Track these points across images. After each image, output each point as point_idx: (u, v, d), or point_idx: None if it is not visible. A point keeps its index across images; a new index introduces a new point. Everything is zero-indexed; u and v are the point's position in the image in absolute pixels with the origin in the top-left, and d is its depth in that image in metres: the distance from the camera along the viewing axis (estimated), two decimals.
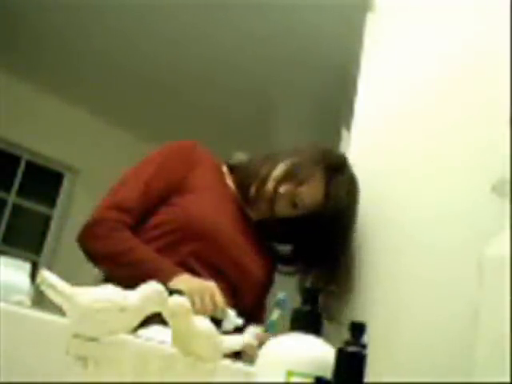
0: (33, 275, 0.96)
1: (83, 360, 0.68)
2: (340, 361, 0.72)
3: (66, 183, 2.71)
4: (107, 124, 2.63)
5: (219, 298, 1.20)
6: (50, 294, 0.69)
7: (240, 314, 1.21)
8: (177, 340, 0.76)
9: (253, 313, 1.30)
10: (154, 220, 1.33)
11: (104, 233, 1.30)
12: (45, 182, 2.75)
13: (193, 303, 1.12)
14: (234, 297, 1.26)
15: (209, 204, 1.37)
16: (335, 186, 1.36)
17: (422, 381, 0.98)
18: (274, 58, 2.38)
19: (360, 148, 1.42)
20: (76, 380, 0.68)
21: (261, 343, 1.10)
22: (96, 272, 1.34)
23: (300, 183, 1.36)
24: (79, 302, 0.67)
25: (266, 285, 1.42)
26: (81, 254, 1.31)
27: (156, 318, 0.76)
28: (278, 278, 1.46)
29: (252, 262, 1.38)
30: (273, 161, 1.41)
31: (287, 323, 0.79)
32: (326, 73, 2.17)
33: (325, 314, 0.80)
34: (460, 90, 1.20)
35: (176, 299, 0.74)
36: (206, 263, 1.31)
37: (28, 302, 0.96)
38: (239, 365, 0.99)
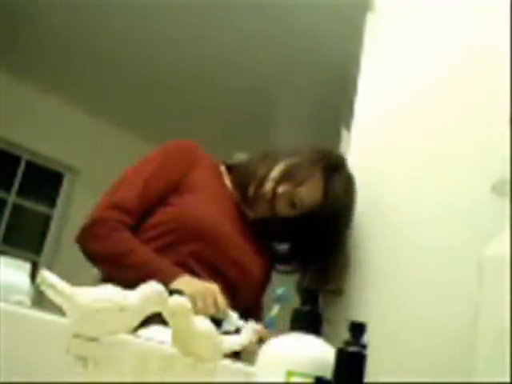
0: (33, 275, 0.96)
1: (83, 360, 0.68)
2: (340, 361, 0.72)
3: (65, 183, 2.71)
4: (107, 124, 2.63)
5: (221, 299, 1.20)
6: (50, 294, 0.69)
7: (238, 312, 1.21)
8: (177, 340, 0.76)
9: (251, 311, 1.30)
10: (152, 220, 1.33)
11: (104, 233, 1.29)
12: (45, 182, 2.75)
13: (195, 305, 1.13)
14: (233, 296, 1.26)
15: (207, 204, 1.37)
16: (333, 185, 1.36)
17: (422, 381, 0.98)
18: (274, 58, 2.38)
19: (360, 148, 1.42)
20: (76, 380, 0.68)
21: (260, 339, 1.10)
22: (96, 272, 1.34)
23: (299, 183, 1.37)
24: (79, 302, 0.67)
25: (264, 284, 1.43)
26: (81, 254, 1.31)
27: (156, 318, 0.76)
28: (276, 276, 1.46)
29: (251, 262, 1.38)
30: (271, 161, 1.42)
31: (288, 316, 0.79)
32: (326, 73, 2.17)
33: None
34: (460, 90, 1.20)
35: (176, 299, 0.74)
36: (205, 263, 1.31)
37: (28, 302, 0.96)
38: (239, 365, 0.99)
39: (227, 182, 1.46)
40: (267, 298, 1.44)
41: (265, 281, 1.43)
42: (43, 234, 2.56)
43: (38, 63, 2.46)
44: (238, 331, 1.16)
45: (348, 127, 1.46)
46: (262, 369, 0.77)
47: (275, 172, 1.39)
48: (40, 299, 0.79)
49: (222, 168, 1.47)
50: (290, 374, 0.73)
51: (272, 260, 1.44)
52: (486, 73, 1.15)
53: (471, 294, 0.79)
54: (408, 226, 1.22)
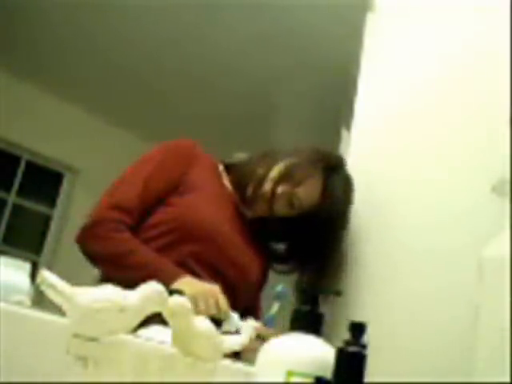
0: (33, 275, 0.96)
1: (83, 360, 0.68)
2: (340, 361, 0.72)
3: (65, 183, 2.71)
4: (107, 124, 2.63)
5: (223, 301, 1.21)
6: (50, 294, 0.69)
7: (237, 311, 1.21)
8: (177, 340, 0.76)
9: (249, 311, 1.31)
10: (152, 220, 1.33)
11: (104, 234, 1.29)
12: (45, 182, 2.75)
13: (197, 306, 1.13)
14: (232, 296, 1.26)
15: (207, 204, 1.37)
16: (332, 186, 1.37)
17: (422, 381, 0.98)
18: (274, 59, 2.38)
19: (360, 148, 1.42)
20: (76, 380, 0.68)
21: (258, 336, 1.10)
22: (96, 272, 1.34)
23: (297, 184, 1.37)
24: (79, 302, 0.67)
25: (263, 284, 1.43)
26: (81, 254, 1.31)
27: (156, 318, 0.76)
28: (272, 274, 1.47)
29: (250, 262, 1.38)
30: (270, 161, 1.42)
31: (288, 313, 0.79)
32: (326, 73, 2.17)
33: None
34: (460, 89, 1.20)
35: (176, 299, 0.74)
36: (204, 263, 1.31)
37: (28, 302, 0.96)
38: (239, 365, 0.99)
39: (226, 181, 1.46)
40: (263, 296, 1.44)
41: (263, 281, 1.43)
42: (43, 234, 2.56)
43: (38, 63, 2.45)
44: (237, 332, 1.16)
45: (348, 127, 1.46)
46: (262, 369, 0.77)
47: (274, 172, 1.39)
48: (40, 299, 0.79)
49: (221, 167, 1.48)
50: (290, 373, 0.73)
51: (270, 260, 1.44)
52: (486, 73, 1.15)
53: (471, 294, 0.79)
54: (408, 226, 1.22)
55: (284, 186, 1.37)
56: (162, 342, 0.85)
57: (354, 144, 1.44)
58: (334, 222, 1.35)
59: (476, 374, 0.74)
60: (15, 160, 2.61)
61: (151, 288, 0.71)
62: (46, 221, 2.63)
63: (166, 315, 0.74)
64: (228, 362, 0.92)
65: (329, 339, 0.78)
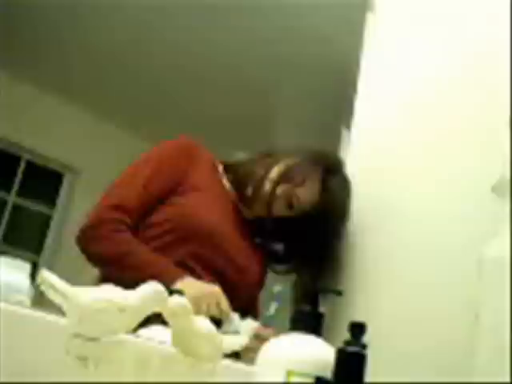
0: (33, 275, 0.96)
1: (83, 360, 0.68)
2: (340, 361, 0.72)
3: (65, 183, 2.71)
4: (107, 124, 2.62)
5: (224, 301, 1.21)
6: (50, 294, 0.69)
7: (236, 311, 1.22)
8: (177, 340, 0.76)
9: (248, 311, 1.31)
10: (152, 219, 1.33)
11: (105, 234, 1.29)
12: (45, 182, 2.75)
13: (198, 307, 1.13)
14: (232, 296, 1.26)
15: (207, 204, 1.37)
16: (332, 187, 1.37)
17: (422, 381, 0.98)
18: (274, 59, 2.38)
19: (360, 148, 1.42)
20: (76, 380, 0.68)
21: (257, 336, 1.10)
22: (96, 272, 1.34)
23: (297, 184, 1.37)
24: (79, 302, 0.67)
25: (261, 282, 1.43)
26: (81, 254, 1.31)
27: (156, 318, 0.76)
28: (270, 274, 1.46)
29: (249, 262, 1.38)
30: (270, 161, 1.42)
31: (285, 313, 0.79)
32: (326, 73, 2.17)
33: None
34: (460, 89, 1.20)
35: (176, 299, 0.74)
36: (203, 263, 1.31)
37: (28, 302, 0.96)
38: (239, 365, 0.99)
39: (225, 181, 1.46)
40: (260, 296, 1.44)
41: (262, 281, 1.43)
42: (43, 234, 2.56)
43: (37, 63, 2.45)
44: (237, 333, 1.16)
45: (348, 127, 1.46)
46: (262, 369, 0.77)
47: (274, 172, 1.39)
48: (40, 299, 0.79)
49: (220, 167, 1.48)
50: (290, 373, 0.73)
51: (268, 260, 1.44)
52: (486, 73, 1.15)
53: (471, 294, 0.79)
54: (408, 226, 1.22)
55: (283, 187, 1.38)
56: (162, 342, 0.85)
57: (353, 144, 1.44)
58: (332, 222, 1.35)
59: (476, 373, 0.74)
60: (15, 160, 2.61)
61: (151, 288, 0.71)
62: (46, 221, 2.62)
63: (166, 315, 0.74)
64: (228, 361, 0.92)
65: (329, 339, 0.78)
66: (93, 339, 0.69)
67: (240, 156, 1.50)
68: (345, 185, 1.38)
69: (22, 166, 2.65)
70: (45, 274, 0.69)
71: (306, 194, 1.37)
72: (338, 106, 1.61)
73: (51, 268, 0.72)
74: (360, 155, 1.42)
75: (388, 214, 1.27)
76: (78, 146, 2.64)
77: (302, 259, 1.41)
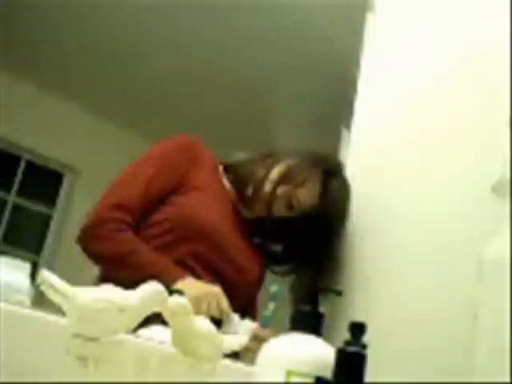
0: (33, 275, 0.96)
1: (83, 360, 0.68)
2: (340, 361, 0.72)
3: (65, 183, 2.71)
4: (107, 124, 2.62)
5: (224, 303, 1.21)
6: (50, 294, 0.69)
7: (235, 311, 1.22)
8: (177, 340, 0.76)
9: (247, 311, 1.31)
10: (152, 218, 1.33)
11: (106, 233, 1.29)
12: (45, 182, 2.75)
13: (199, 308, 1.13)
14: (231, 296, 1.27)
15: (207, 204, 1.37)
16: (331, 189, 1.38)
17: (422, 381, 0.98)
18: (274, 59, 2.38)
19: (360, 148, 1.42)
20: (76, 380, 0.68)
21: (255, 336, 1.10)
22: (95, 272, 1.34)
23: (297, 185, 1.37)
24: (79, 302, 0.67)
25: (260, 282, 1.43)
26: (81, 254, 1.31)
27: (156, 318, 0.76)
28: (267, 274, 1.47)
29: (248, 262, 1.39)
30: (270, 162, 1.42)
31: (283, 313, 0.79)
32: (326, 73, 2.17)
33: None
34: (460, 89, 1.20)
35: (176, 299, 0.74)
36: (203, 263, 1.31)
37: (28, 302, 0.96)
38: (239, 365, 0.99)
39: (225, 181, 1.46)
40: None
41: (261, 280, 1.43)
42: (43, 234, 2.56)
43: (37, 62, 2.45)
44: (237, 333, 1.16)
45: (348, 127, 1.47)
46: (262, 369, 0.77)
47: (275, 173, 1.39)
48: (40, 299, 0.79)
49: (220, 167, 1.48)
50: (290, 373, 0.73)
51: (267, 261, 1.44)
52: (485, 73, 1.15)
53: (471, 294, 0.79)
54: (407, 226, 1.22)
55: (284, 187, 1.38)
56: (162, 342, 0.85)
57: (353, 144, 1.44)
58: (332, 224, 1.36)
59: (476, 373, 0.74)
60: (15, 160, 2.61)
61: (151, 288, 0.72)
62: (46, 221, 2.62)
63: (166, 315, 0.74)
64: (228, 361, 0.92)
65: (329, 339, 0.78)
66: (93, 339, 0.69)
67: (240, 156, 1.50)
68: (344, 187, 1.39)
69: (22, 166, 2.65)
70: (45, 274, 0.69)
71: (306, 195, 1.38)
72: (338, 106, 1.61)
73: (51, 268, 0.72)
74: (360, 155, 1.42)
75: (388, 214, 1.27)
76: (77, 146, 2.64)
77: (301, 260, 1.41)
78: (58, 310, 0.72)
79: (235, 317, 1.22)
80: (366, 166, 1.39)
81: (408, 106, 1.32)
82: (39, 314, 0.84)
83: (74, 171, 2.71)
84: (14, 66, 2.35)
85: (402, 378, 1.00)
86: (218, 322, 1.05)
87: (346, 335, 0.73)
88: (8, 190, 2.59)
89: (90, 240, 1.30)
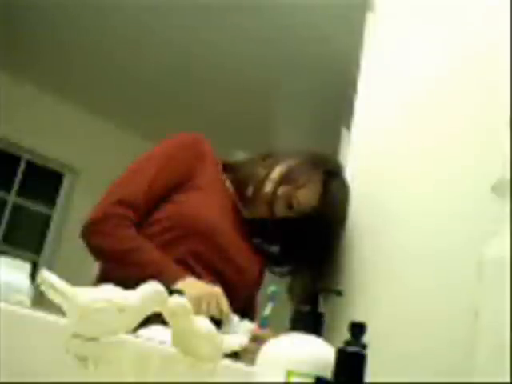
0: (33, 275, 0.96)
1: (83, 360, 0.68)
2: (340, 361, 0.72)
3: (65, 183, 2.71)
4: (107, 124, 2.62)
5: (224, 303, 1.21)
6: (50, 294, 0.69)
7: (234, 311, 1.22)
8: (177, 340, 0.76)
9: (246, 310, 1.31)
10: (154, 217, 1.33)
11: (109, 230, 1.29)
12: (45, 182, 2.75)
13: (199, 308, 1.13)
14: (230, 296, 1.27)
15: (208, 203, 1.37)
16: (332, 190, 1.37)
17: (422, 381, 0.98)
18: (274, 58, 2.38)
19: (360, 148, 1.42)
20: (76, 380, 0.68)
21: (254, 338, 1.10)
22: (96, 272, 1.34)
23: (298, 186, 1.37)
24: (79, 302, 0.67)
25: (259, 283, 1.43)
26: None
27: (156, 318, 0.76)
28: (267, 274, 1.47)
29: (248, 262, 1.39)
30: (271, 162, 1.42)
31: (280, 313, 0.79)
32: (326, 73, 2.17)
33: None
34: (460, 89, 1.20)
35: (176, 299, 0.74)
36: (203, 262, 1.31)
37: (28, 302, 0.96)
38: (239, 365, 0.99)
39: (226, 180, 1.46)
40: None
41: (260, 279, 1.43)
42: (43, 234, 2.55)
43: (37, 63, 2.45)
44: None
45: (348, 127, 1.46)
46: (262, 369, 0.77)
47: (276, 173, 1.39)
48: (40, 299, 0.79)
49: (220, 166, 1.47)
50: (290, 373, 0.73)
51: (267, 261, 1.44)
52: (485, 73, 1.15)
53: (471, 294, 0.79)
54: (407, 226, 1.22)
55: (285, 188, 1.38)
56: (162, 342, 0.85)
57: (354, 144, 1.44)
58: (331, 225, 1.36)
59: (476, 373, 0.73)
60: (15, 160, 2.60)
61: (151, 288, 0.71)
62: (46, 221, 2.62)
63: (166, 315, 0.74)
64: (228, 361, 0.92)
65: (329, 339, 0.78)
66: (93, 339, 0.69)
67: (239, 156, 1.50)
68: (344, 188, 1.39)
69: (22, 166, 2.65)
70: (45, 274, 0.69)
71: (307, 195, 1.38)
72: (338, 106, 1.61)
73: (51, 268, 0.72)
74: (360, 155, 1.42)
75: (388, 214, 1.27)
76: (77, 146, 2.64)
77: (301, 261, 1.40)
78: (58, 310, 0.72)
79: (235, 318, 1.22)
80: (366, 166, 1.39)
81: (408, 106, 1.32)
82: (39, 313, 0.84)
83: (73, 171, 2.71)
84: (13, 65, 2.35)
85: (402, 378, 1.00)
86: (217, 323, 1.05)
87: (346, 335, 0.73)
88: (8, 190, 2.59)
89: (93, 235, 1.29)
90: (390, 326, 1.14)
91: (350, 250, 1.34)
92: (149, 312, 0.72)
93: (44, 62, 2.47)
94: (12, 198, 2.61)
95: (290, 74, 2.40)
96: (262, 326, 1.22)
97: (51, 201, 2.68)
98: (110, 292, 0.70)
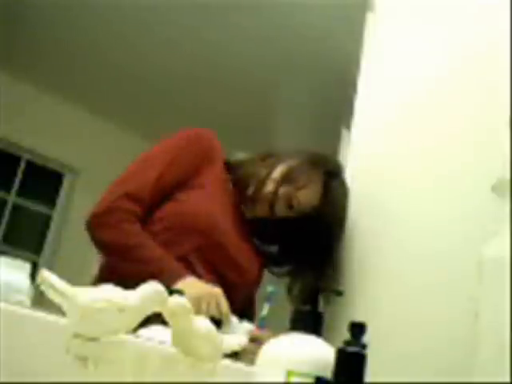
0: (33, 275, 0.96)
1: (83, 360, 0.68)
2: (340, 361, 0.72)
3: (65, 183, 2.71)
4: (107, 124, 2.62)
5: (224, 303, 1.21)
6: (50, 294, 0.69)
7: (234, 312, 1.22)
8: (177, 340, 0.76)
9: (245, 311, 1.31)
10: (155, 215, 1.33)
11: (114, 223, 1.28)
12: (45, 182, 2.75)
13: (199, 308, 1.13)
14: (230, 296, 1.26)
15: (210, 202, 1.37)
16: (332, 191, 1.38)
17: (422, 381, 0.98)
18: (274, 58, 2.38)
19: (360, 148, 1.42)
20: (76, 380, 0.68)
21: (253, 339, 1.11)
22: (96, 272, 1.34)
23: (299, 187, 1.37)
24: (79, 302, 0.67)
25: (258, 283, 1.43)
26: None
27: (156, 318, 0.76)
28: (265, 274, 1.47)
29: (248, 261, 1.39)
30: (272, 162, 1.42)
31: (279, 313, 0.79)
32: (326, 73, 2.17)
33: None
34: (460, 89, 1.20)
35: (176, 299, 0.74)
36: (204, 260, 1.31)
37: (28, 302, 0.96)
38: (239, 365, 0.99)
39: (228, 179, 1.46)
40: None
41: (259, 279, 1.43)
42: (43, 234, 2.55)
43: (37, 63, 2.45)
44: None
45: (348, 127, 1.46)
46: (262, 369, 0.77)
47: (277, 173, 1.39)
48: (40, 299, 0.79)
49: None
50: (290, 373, 0.73)
51: (266, 262, 1.44)
52: (485, 73, 1.15)
53: (471, 293, 0.79)
54: (407, 226, 1.22)
55: (285, 188, 1.38)
56: (162, 342, 0.85)
57: (354, 144, 1.44)
58: (332, 225, 1.36)
59: (476, 373, 0.74)
60: (15, 160, 2.61)
61: (151, 288, 0.71)
62: (46, 221, 2.62)
63: (166, 315, 0.74)
64: (228, 361, 0.92)
65: (329, 339, 0.78)
66: (93, 339, 0.69)
67: (240, 155, 1.50)
68: (344, 188, 1.39)
69: (22, 166, 2.65)
70: (45, 274, 0.69)
71: (307, 196, 1.38)
72: (337, 106, 1.61)
73: (51, 268, 0.72)
74: (360, 155, 1.42)
75: (388, 214, 1.27)
76: (77, 146, 2.64)
77: (301, 261, 1.40)
78: (58, 310, 0.72)
79: (234, 318, 1.22)
80: (366, 166, 1.39)
81: (408, 106, 1.32)
82: (39, 314, 0.84)
83: (73, 171, 2.71)
84: (14, 65, 2.35)
85: (402, 378, 1.00)
86: (217, 323, 1.05)
87: (346, 335, 0.73)
88: (8, 190, 2.59)
89: (98, 227, 1.29)
90: (390, 326, 1.14)
91: (350, 250, 1.34)
92: (149, 312, 0.72)
93: (44, 62, 2.47)
94: (12, 198, 2.61)
95: (290, 74, 2.40)
96: (260, 326, 1.22)
97: (51, 201, 2.68)
98: (110, 292, 0.70)
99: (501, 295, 0.72)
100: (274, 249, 1.45)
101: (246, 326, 1.21)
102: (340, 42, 1.86)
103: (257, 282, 1.42)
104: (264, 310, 1.23)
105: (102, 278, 1.29)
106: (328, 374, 0.72)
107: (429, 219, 1.17)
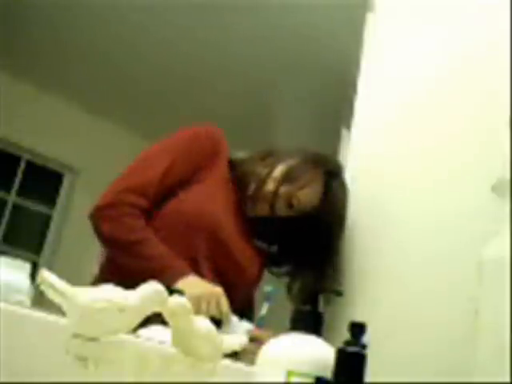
0: (33, 275, 0.96)
1: (83, 360, 0.68)
2: (340, 361, 0.72)
3: (65, 183, 2.71)
4: (107, 124, 2.62)
5: (224, 303, 1.21)
6: (50, 294, 0.69)
7: (233, 312, 1.22)
8: (177, 340, 0.76)
9: (244, 310, 1.31)
10: (157, 212, 1.32)
11: (116, 216, 1.27)
12: (45, 182, 2.75)
13: (199, 307, 1.13)
14: (230, 296, 1.26)
15: (211, 199, 1.36)
16: (332, 191, 1.37)
17: (422, 381, 0.98)
18: (274, 59, 2.38)
19: (360, 148, 1.42)
20: (76, 380, 0.68)
21: (252, 338, 1.11)
22: (96, 272, 1.34)
23: (300, 186, 1.37)
24: (79, 302, 0.67)
25: (258, 282, 1.43)
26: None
27: (156, 318, 0.76)
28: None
29: (248, 261, 1.39)
30: (272, 161, 1.42)
31: (278, 313, 0.79)
32: (326, 73, 2.17)
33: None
34: (460, 89, 1.20)
35: (176, 299, 0.74)
36: (205, 258, 1.31)
37: (28, 302, 0.96)
38: (239, 365, 0.99)
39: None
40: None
41: (259, 279, 1.43)
42: (43, 234, 2.56)
43: (37, 62, 2.45)
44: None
45: (348, 127, 1.46)
46: (262, 369, 0.77)
47: (277, 172, 1.39)
48: (40, 299, 0.79)
49: None
50: (290, 374, 0.73)
51: (266, 262, 1.44)
52: (485, 72, 1.15)
53: (471, 294, 0.79)
54: (407, 227, 1.22)
55: (286, 187, 1.38)
56: (162, 342, 0.85)
57: (353, 144, 1.44)
58: (332, 225, 1.36)
59: (476, 374, 0.74)
60: (15, 160, 2.61)
61: (151, 288, 0.71)
62: (46, 221, 2.62)
63: (166, 315, 0.74)
64: (228, 361, 0.92)
65: (329, 339, 0.78)
66: (93, 339, 0.69)
67: (239, 154, 1.50)
68: (344, 188, 1.39)
69: (22, 165, 2.65)
70: (45, 274, 0.69)
71: (307, 195, 1.37)
72: (337, 106, 1.61)
73: (51, 268, 0.72)
74: (360, 156, 1.42)
75: (388, 215, 1.27)
76: (77, 146, 2.64)
77: (301, 260, 1.40)
78: (58, 310, 0.72)
79: (234, 318, 1.22)
80: (366, 167, 1.39)
81: (408, 106, 1.32)
82: (39, 314, 0.84)
83: (73, 171, 2.71)
84: (14, 65, 2.35)
85: (402, 378, 1.00)
86: (217, 323, 1.05)
87: (346, 335, 0.73)
88: (8, 190, 2.59)
89: (102, 220, 1.28)
90: (390, 326, 1.14)
91: (350, 250, 1.34)
92: (149, 312, 0.72)
93: (44, 62, 2.47)
94: (12, 198, 2.61)
95: (289, 74, 2.40)
96: (259, 325, 1.22)
97: (51, 201, 2.68)
98: (110, 292, 0.70)
99: (501, 295, 0.72)
100: (273, 248, 1.45)
101: (246, 326, 1.22)
102: (340, 42, 1.86)
103: (256, 281, 1.42)
104: (263, 309, 1.23)
105: (102, 277, 1.29)
106: (328, 374, 0.72)
107: (429, 219, 1.17)
